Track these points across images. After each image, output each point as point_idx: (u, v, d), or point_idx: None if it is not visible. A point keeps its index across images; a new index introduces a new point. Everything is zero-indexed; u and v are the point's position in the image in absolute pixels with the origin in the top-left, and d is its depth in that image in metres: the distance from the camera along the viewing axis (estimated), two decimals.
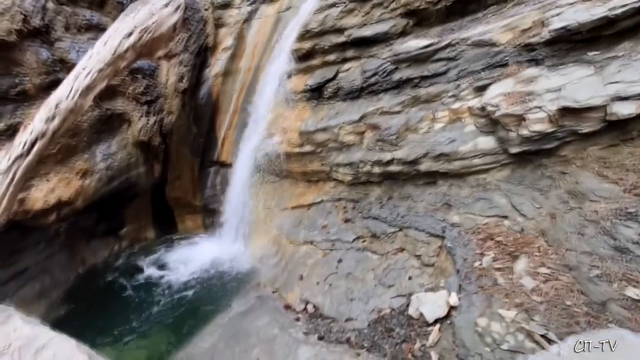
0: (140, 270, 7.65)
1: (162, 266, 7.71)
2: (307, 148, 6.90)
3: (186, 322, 5.69)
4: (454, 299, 3.95)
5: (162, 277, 7.34)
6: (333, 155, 6.67)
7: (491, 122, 4.85)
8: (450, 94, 5.43)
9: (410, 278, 4.80)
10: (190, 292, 6.70)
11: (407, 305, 4.38)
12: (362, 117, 6.12)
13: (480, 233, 4.51)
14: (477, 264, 4.16)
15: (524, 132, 4.33)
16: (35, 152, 4.12)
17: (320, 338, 4.33)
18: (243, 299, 5.72)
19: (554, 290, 3.32)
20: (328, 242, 6.18)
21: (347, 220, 6.37)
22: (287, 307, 5.18)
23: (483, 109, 4.87)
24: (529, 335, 3.12)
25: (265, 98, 7.78)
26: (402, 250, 5.32)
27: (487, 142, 4.91)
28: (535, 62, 4.86)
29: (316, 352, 4.02)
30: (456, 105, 5.31)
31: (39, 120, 4.20)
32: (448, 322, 3.84)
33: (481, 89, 5.16)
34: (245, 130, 8.05)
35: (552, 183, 4.30)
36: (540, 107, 4.25)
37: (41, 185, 5.33)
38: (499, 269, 3.91)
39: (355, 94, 6.44)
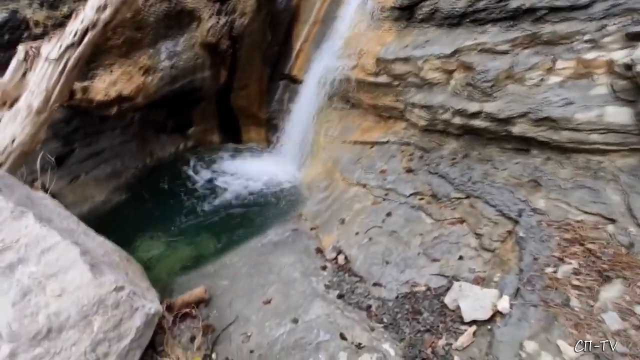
0: (199, 172, 7.91)
1: (220, 172, 7.87)
2: (383, 79, 5.92)
3: (224, 236, 5.77)
4: (503, 304, 3.21)
5: (217, 183, 7.51)
6: (411, 92, 5.65)
7: (636, 88, 3.43)
8: (586, 37, 3.92)
9: (460, 258, 4.08)
10: (238, 205, 6.78)
11: (446, 290, 3.75)
12: (455, 52, 4.87)
13: (569, 231, 3.50)
14: (549, 269, 3.27)
15: None
16: (86, 43, 3.93)
17: (340, 296, 3.99)
18: (280, 228, 5.55)
19: None
20: (382, 190, 5.54)
21: (409, 171, 5.58)
22: (319, 250, 4.87)
23: (630, 66, 3.43)
24: None
25: (349, 11, 6.68)
26: (462, 221, 4.51)
27: (618, 115, 3.56)
28: None
29: (330, 311, 3.71)
30: (590, 55, 3.84)
31: (90, 9, 3.92)
32: (488, 327, 3.18)
33: (635, 38, 3.60)
34: (322, 45, 7.17)
35: None
36: None
37: (105, 75, 5.36)
38: (577, 287, 3.00)
39: (454, 21, 5.08)
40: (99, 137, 7.19)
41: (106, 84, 5.01)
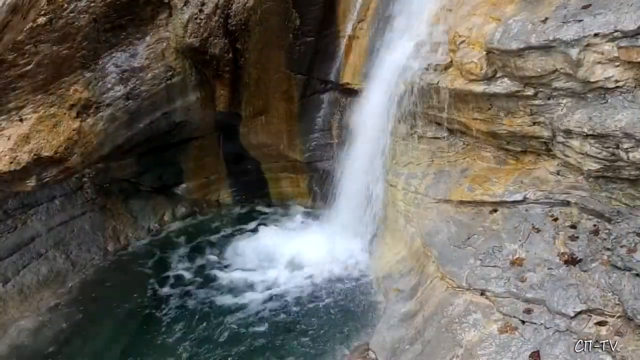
0: (195, 265, 5.04)
1: (231, 264, 5.02)
2: (502, 87, 3.40)
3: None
4: None
5: (225, 285, 4.71)
6: (560, 108, 3.09)
7: None
8: None
9: None
10: (261, 329, 4.23)
11: None
12: None
13: None
14: None
15: None
16: None
17: None
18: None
19: None
20: (517, 302, 2.93)
21: (571, 261, 2.98)
22: None
23: None
24: None
25: None
26: None
27: None
28: None
29: None
30: None
31: None
32: None
33: None
34: (393, 26, 4.46)
35: None
36: None
37: (9, 128, 2.96)
38: None
39: None
40: (29, 214, 4.61)
41: (12, 143, 2.79)
